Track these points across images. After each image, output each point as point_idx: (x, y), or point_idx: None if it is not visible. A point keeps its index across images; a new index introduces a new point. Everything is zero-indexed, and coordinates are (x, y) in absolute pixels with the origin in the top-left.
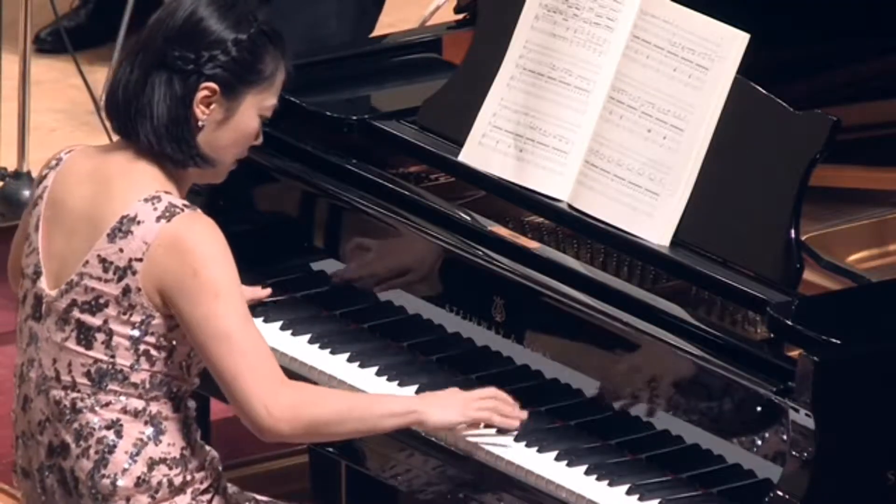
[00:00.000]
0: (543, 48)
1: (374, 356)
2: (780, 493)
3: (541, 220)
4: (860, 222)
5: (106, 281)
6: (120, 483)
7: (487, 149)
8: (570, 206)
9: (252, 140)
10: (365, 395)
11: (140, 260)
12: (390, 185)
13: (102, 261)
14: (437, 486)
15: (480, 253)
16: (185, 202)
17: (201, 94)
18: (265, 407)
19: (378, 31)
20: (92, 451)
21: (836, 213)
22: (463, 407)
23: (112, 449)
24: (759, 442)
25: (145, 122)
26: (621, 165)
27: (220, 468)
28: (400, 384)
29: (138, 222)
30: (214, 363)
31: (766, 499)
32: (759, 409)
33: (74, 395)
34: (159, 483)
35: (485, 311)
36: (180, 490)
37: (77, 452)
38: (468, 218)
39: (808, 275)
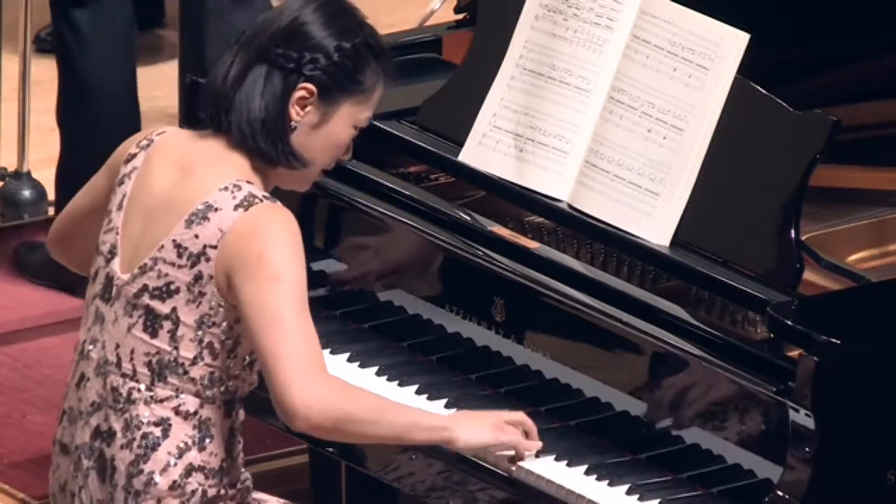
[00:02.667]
0: (543, 48)
1: (374, 356)
2: (780, 493)
3: (541, 220)
4: (860, 222)
5: (179, 267)
6: (155, 482)
7: (487, 149)
8: (570, 206)
9: (341, 151)
10: (398, 403)
11: (214, 247)
12: (390, 185)
13: (177, 246)
14: (435, 487)
15: (480, 253)
16: (266, 193)
17: (298, 93)
18: (299, 393)
19: (378, 31)
20: (135, 445)
21: (836, 213)
22: (494, 429)
23: (155, 446)
24: (759, 442)
25: (241, 114)
26: (621, 165)
27: (251, 487)
28: (400, 384)
29: (216, 209)
30: (260, 344)
31: (766, 499)
32: (759, 409)
33: (132, 384)
34: (193, 491)
35: (485, 311)
36: (211, 502)
37: (122, 442)
38: (468, 218)
39: (808, 275)
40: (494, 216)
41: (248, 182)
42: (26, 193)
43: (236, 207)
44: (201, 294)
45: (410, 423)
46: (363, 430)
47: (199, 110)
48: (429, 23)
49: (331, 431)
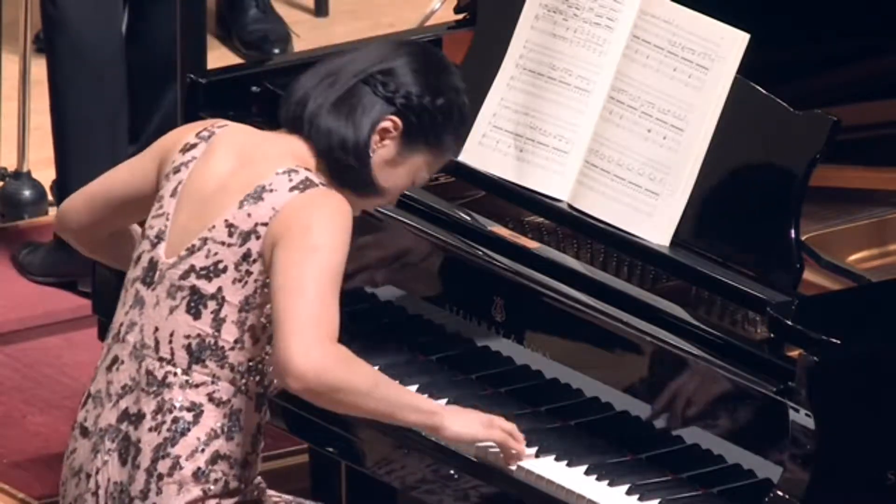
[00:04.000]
0: (543, 48)
1: (375, 356)
2: (780, 493)
3: (541, 220)
4: (860, 222)
5: (229, 245)
6: (181, 467)
7: (487, 149)
8: (570, 206)
9: (393, 197)
10: (393, 382)
11: (265, 224)
12: None
13: (229, 226)
14: (435, 485)
15: (480, 253)
16: (323, 181)
17: (384, 123)
18: (299, 353)
19: (378, 31)
20: (165, 428)
21: (836, 213)
22: (484, 426)
23: (185, 431)
24: (759, 442)
25: (329, 123)
26: (621, 165)
27: (265, 489)
28: (400, 384)
29: (271, 190)
30: (277, 304)
31: (766, 499)
32: (759, 409)
33: (169, 367)
34: (216, 480)
35: (485, 311)
36: (231, 494)
37: (150, 425)
38: (468, 218)
39: (808, 275)
40: (494, 216)
41: (306, 168)
42: (26, 193)
43: (292, 189)
44: (248, 273)
45: (403, 402)
46: (356, 400)
47: (199, 110)
48: (429, 23)
49: (323, 396)
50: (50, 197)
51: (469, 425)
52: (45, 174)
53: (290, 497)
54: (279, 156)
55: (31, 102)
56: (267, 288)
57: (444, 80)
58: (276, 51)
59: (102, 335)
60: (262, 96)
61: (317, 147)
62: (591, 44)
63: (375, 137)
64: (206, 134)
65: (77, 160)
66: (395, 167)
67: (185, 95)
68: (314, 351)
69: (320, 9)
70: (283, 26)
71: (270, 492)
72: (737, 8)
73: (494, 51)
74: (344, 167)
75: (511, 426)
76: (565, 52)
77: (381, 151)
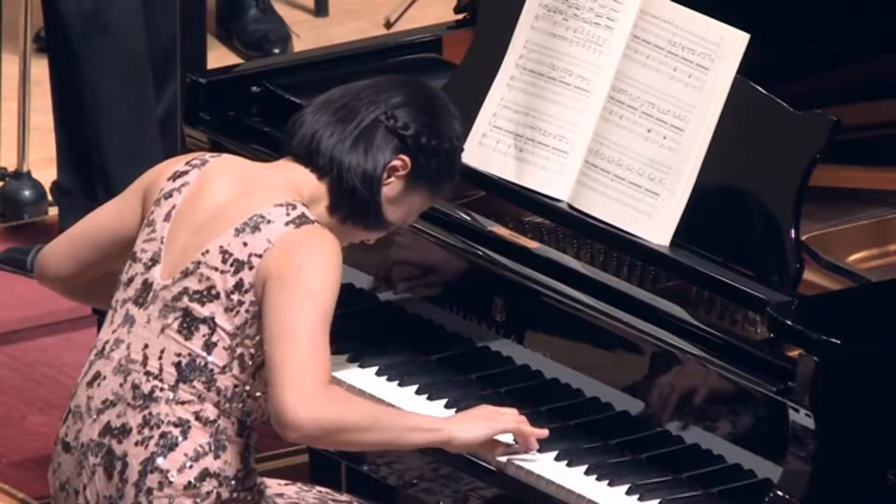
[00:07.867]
0: (543, 48)
1: (375, 356)
2: (780, 493)
3: (541, 220)
4: (860, 222)
5: (222, 272)
6: (170, 481)
7: (487, 149)
8: (570, 206)
9: (382, 234)
10: (392, 409)
11: (259, 256)
12: None
13: (223, 252)
14: (434, 484)
15: (480, 253)
16: (318, 220)
17: (395, 161)
18: (293, 403)
19: (378, 30)
20: (153, 442)
21: (836, 213)
22: (488, 421)
23: (173, 446)
24: (760, 442)
25: (344, 158)
26: (621, 165)
27: (265, 491)
28: (400, 384)
29: (268, 222)
30: (270, 350)
31: (766, 499)
32: (759, 409)
33: (156, 382)
34: (208, 493)
35: (485, 311)
36: None
37: (137, 439)
38: (468, 218)
39: (808, 275)
40: (494, 216)
41: (303, 204)
42: (26, 193)
43: (288, 223)
44: (240, 303)
45: (405, 427)
46: (357, 437)
47: (199, 110)
48: (428, 22)
49: (322, 440)
50: (50, 197)
51: (474, 428)
52: (45, 174)
53: (293, 488)
54: (277, 186)
55: (31, 102)
56: (258, 319)
57: (450, 125)
58: (276, 51)
59: None
60: (262, 96)
61: (331, 180)
62: (591, 44)
63: (384, 175)
64: (198, 162)
65: (129, 160)
66: (395, 205)
67: (185, 95)
68: (308, 401)
69: (320, 9)
70: (283, 26)
71: (270, 482)
72: (737, 8)
73: (494, 51)
74: (357, 201)
75: (513, 412)
76: (565, 52)
77: (386, 189)
